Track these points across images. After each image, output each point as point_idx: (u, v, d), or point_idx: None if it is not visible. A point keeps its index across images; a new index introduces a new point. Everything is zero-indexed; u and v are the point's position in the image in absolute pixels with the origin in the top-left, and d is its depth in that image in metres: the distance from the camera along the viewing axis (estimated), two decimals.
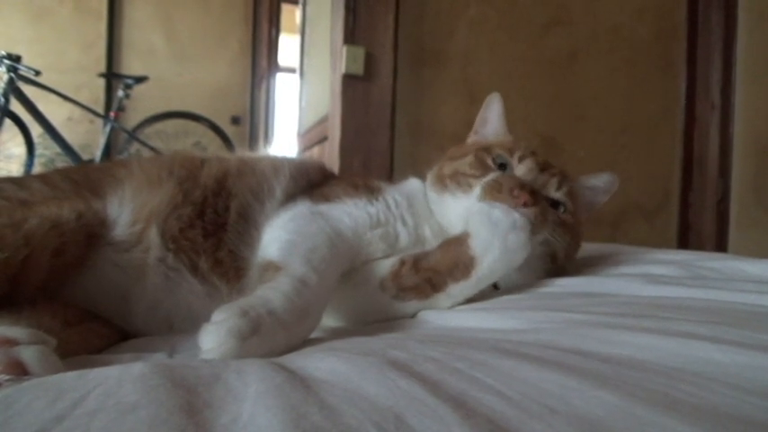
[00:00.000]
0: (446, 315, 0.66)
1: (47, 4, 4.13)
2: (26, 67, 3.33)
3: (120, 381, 0.35)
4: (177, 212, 0.73)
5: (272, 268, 0.62)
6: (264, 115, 4.63)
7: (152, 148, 3.75)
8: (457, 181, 0.79)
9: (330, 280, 0.65)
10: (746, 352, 0.39)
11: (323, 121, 2.21)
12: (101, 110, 3.99)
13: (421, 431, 0.29)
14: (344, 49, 1.89)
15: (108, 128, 3.79)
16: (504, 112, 0.89)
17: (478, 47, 2.11)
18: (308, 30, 2.86)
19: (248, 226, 0.75)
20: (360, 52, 1.90)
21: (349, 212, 0.76)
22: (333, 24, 2.05)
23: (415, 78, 2.03)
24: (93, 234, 0.68)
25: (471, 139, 0.92)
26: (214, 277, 0.72)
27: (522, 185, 0.72)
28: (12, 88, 3.33)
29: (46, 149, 3.83)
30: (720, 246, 2.33)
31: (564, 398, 0.32)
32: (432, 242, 0.77)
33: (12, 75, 3.32)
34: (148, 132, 3.93)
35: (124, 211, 0.72)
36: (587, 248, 0.92)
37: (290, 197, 0.79)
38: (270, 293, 0.54)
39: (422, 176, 0.88)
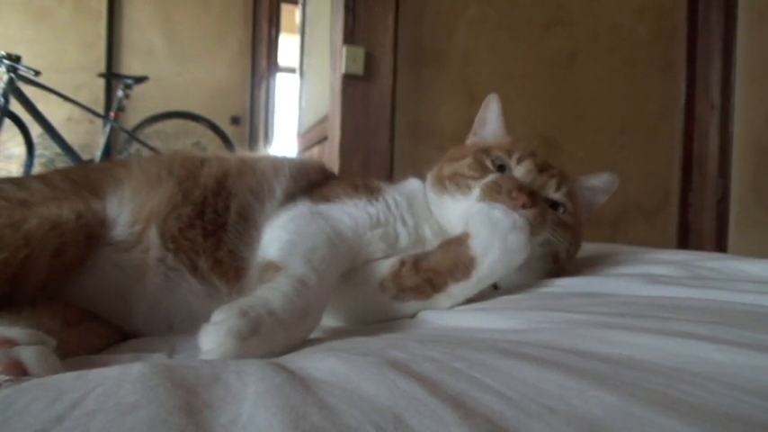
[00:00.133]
0: (446, 315, 0.66)
1: (46, 5, 4.13)
2: (26, 67, 3.33)
3: (120, 381, 0.35)
4: (177, 212, 0.73)
5: (271, 268, 0.62)
6: (264, 115, 4.63)
7: (152, 148, 3.75)
8: (456, 183, 0.78)
9: (330, 280, 0.65)
10: (745, 352, 0.39)
11: (323, 121, 2.21)
12: (100, 110, 3.99)
13: (420, 431, 0.29)
14: (344, 49, 1.89)
15: (108, 128, 3.79)
16: (502, 112, 0.89)
17: (478, 47, 2.11)
18: (307, 30, 2.86)
19: (248, 226, 0.75)
20: (359, 52, 1.90)
21: (349, 212, 0.76)
22: (332, 24, 2.05)
23: (415, 78, 2.03)
24: (92, 234, 0.68)
25: (470, 140, 0.92)
26: (214, 277, 0.72)
27: (520, 187, 0.72)
28: (11, 88, 3.33)
29: (46, 149, 3.83)
30: (720, 246, 2.33)
31: (563, 398, 0.33)
32: (432, 242, 0.77)
33: (11, 75, 3.31)
34: (148, 132, 3.93)
35: (124, 211, 0.72)
36: (587, 248, 0.92)
37: (290, 197, 0.79)
38: (270, 294, 0.54)
39: (421, 176, 0.88)
